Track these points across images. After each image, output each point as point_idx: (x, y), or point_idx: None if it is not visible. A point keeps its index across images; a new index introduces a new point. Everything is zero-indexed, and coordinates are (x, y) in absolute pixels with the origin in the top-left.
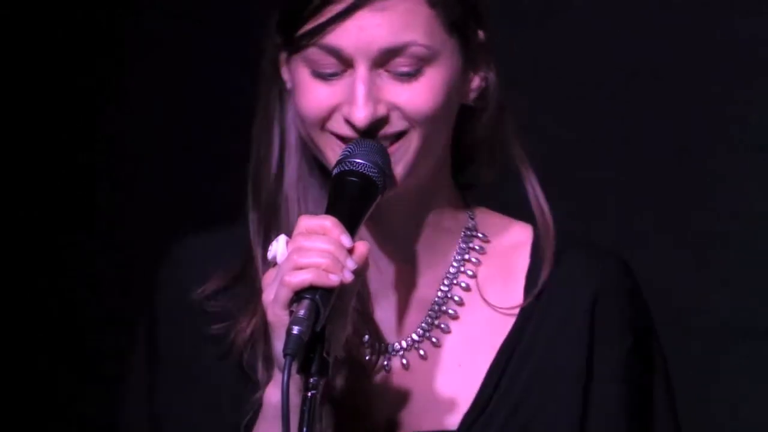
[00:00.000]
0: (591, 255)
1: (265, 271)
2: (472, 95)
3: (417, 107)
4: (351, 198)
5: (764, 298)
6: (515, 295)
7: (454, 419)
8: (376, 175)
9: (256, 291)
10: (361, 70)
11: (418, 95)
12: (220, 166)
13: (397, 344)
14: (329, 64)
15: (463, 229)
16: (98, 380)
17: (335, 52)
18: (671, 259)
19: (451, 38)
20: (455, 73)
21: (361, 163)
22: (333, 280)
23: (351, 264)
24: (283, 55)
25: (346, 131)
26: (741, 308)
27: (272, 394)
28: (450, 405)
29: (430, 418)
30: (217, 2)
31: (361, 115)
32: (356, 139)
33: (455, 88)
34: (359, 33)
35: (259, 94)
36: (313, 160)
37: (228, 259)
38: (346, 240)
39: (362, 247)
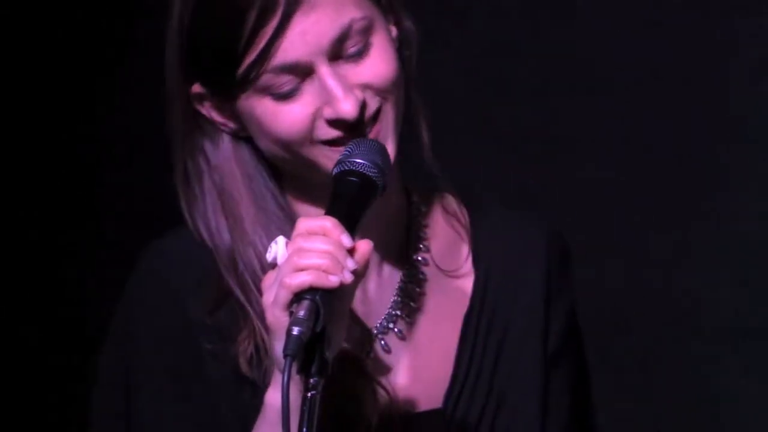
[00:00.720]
0: (529, 219)
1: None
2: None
3: (383, 76)
4: (351, 198)
5: (765, 298)
6: (466, 261)
7: (437, 395)
8: (376, 174)
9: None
10: (323, 68)
11: (377, 65)
12: None
13: (374, 328)
14: (287, 81)
15: (411, 204)
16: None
17: (291, 68)
18: (671, 259)
19: (370, 2)
20: (389, 32)
21: (360, 163)
22: (333, 281)
23: (351, 264)
24: (210, 103)
25: (335, 132)
26: (741, 308)
27: (273, 396)
28: (433, 382)
29: (417, 398)
30: None
31: (349, 105)
32: (356, 139)
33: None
34: (304, 37)
35: (177, 151)
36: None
37: (205, 266)
38: (346, 240)
39: (364, 245)
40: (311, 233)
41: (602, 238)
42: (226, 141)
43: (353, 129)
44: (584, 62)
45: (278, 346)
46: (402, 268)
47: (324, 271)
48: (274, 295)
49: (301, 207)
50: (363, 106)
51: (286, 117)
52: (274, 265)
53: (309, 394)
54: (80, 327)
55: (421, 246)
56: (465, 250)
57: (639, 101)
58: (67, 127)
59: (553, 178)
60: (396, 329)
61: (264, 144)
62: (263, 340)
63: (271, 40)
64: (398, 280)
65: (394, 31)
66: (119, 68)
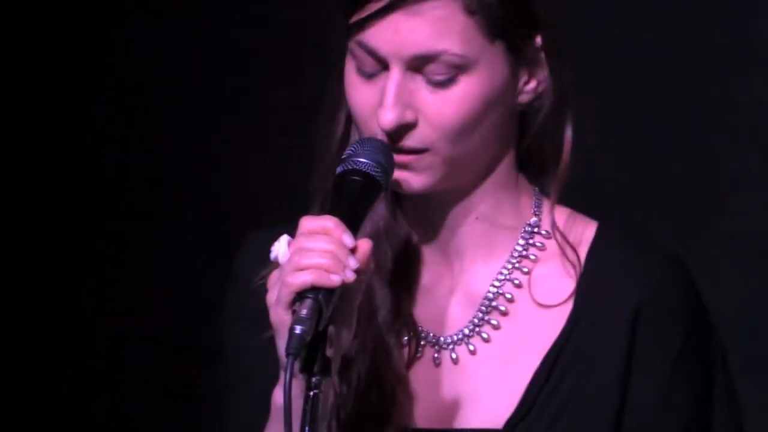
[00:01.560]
0: (640, 266)
1: None
2: (526, 97)
3: (444, 117)
4: (353, 198)
5: (765, 298)
6: (565, 295)
7: (499, 419)
8: (379, 174)
9: None
10: (395, 72)
11: (448, 104)
12: (226, 166)
13: (447, 337)
14: (368, 62)
15: (525, 226)
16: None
17: (371, 52)
18: None
19: (493, 45)
20: (498, 82)
21: (364, 162)
22: (334, 280)
23: (353, 263)
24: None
25: (381, 134)
26: (742, 309)
27: (278, 395)
28: (495, 403)
29: (475, 414)
30: (218, 2)
31: (388, 117)
32: (360, 138)
33: (497, 96)
34: (393, 36)
35: (330, 81)
36: None
37: None
38: (348, 239)
39: (365, 244)
40: (313, 233)
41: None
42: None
43: (391, 141)
44: (584, 62)
45: (282, 345)
46: (492, 284)
47: (326, 270)
48: (276, 294)
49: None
50: (407, 127)
51: (356, 93)
52: (277, 264)
53: (311, 393)
54: (80, 326)
55: (523, 267)
56: (568, 287)
57: (639, 101)
58: (66, 127)
59: None
60: (470, 344)
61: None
62: None
63: (368, 17)
64: (484, 295)
65: (533, 83)
66: (121, 68)
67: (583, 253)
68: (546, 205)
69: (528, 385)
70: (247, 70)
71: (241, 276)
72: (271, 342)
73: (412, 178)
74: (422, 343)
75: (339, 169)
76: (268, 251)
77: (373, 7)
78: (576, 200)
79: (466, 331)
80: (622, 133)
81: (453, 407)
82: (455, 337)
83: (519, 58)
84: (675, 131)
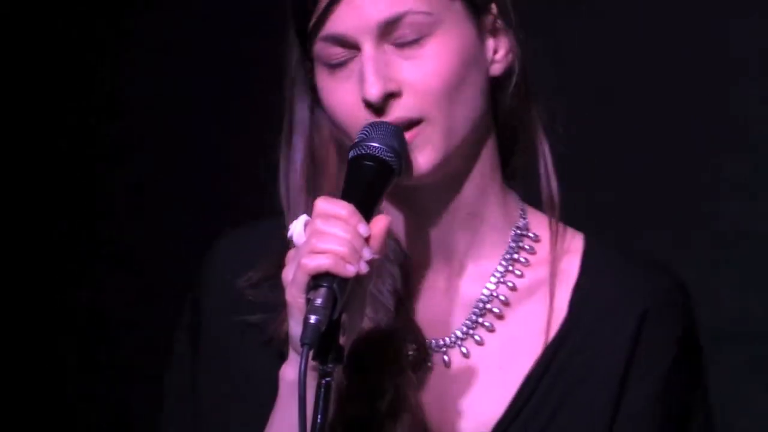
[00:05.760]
0: (642, 275)
1: None
2: (498, 66)
3: (425, 77)
4: (367, 183)
5: (766, 299)
6: (561, 304)
7: (488, 422)
8: (392, 158)
9: None
10: (366, 48)
11: (424, 65)
12: (221, 166)
13: (440, 340)
14: (336, 53)
15: (513, 228)
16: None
17: (338, 39)
18: (671, 259)
19: (453, 2)
20: (466, 41)
21: (376, 147)
22: (350, 270)
23: (367, 254)
24: (305, 64)
25: (373, 116)
26: (742, 309)
27: (288, 372)
28: (486, 407)
29: (465, 417)
30: (218, 2)
31: (373, 89)
32: (372, 122)
33: (469, 56)
34: (355, 13)
35: (286, 105)
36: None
37: (272, 250)
38: (363, 229)
39: (381, 223)
40: (329, 216)
41: (601, 237)
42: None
43: (380, 113)
44: (584, 62)
45: (294, 327)
46: (486, 286)
47: (342, 258)
48: (292, 274)
49: None
50: (394, 96)
51: (337, 94)
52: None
53: (324, 381)
54: (79, 327)
55: (516, 271)
56: (563, 293)
57: (639, 101)
58: (65, 127)
59: None
60: (463, 347)
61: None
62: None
63: (327, 6)
64: (478, 297)
65: (501, 50)
66: (119, 68)
67: (575, 260)
68: (529, 208)
69: (518, 390)
70: (250, 71)
71: (214, 278)
72: (245, 325)
73: (418, 158)
74: (415, 346)
75: (352, 153)
76: (246, 250)
77: (325, 0)
78: (576, 200)
79: (459, 334)
80: (623, 133)
81: (442, 410)
82: (448, 340)
83: (480, 22)
84: (675, 132)
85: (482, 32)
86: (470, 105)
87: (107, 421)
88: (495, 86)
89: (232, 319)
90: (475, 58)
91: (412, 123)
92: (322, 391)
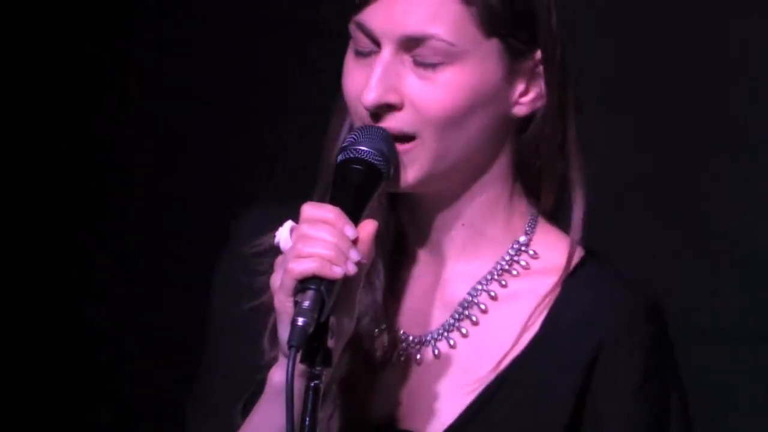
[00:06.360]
0: (614, 302)
1: None
2: (522, 108)
3: (428, 102)
4: (355, 187)
5: (766, 299)
6: (536, 319)
7: (440, 425)
8: (381, 162)
9: None
10: (385, 52)
11: (433, 90)
12: (221, 166)
13: (418, 337)
14: (363, 42)
15: (514, 242)
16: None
17: (367, 31)
18: (671, 259)
19: (487, 41)
20: (487, 79)
21: (365, 151)
22: (337, 272)
23: (355, 255)
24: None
25: (369, 118)
26: (743, 310)
27: (275, 375)
28: (444, 409)
29: (421, 417)
30: (218, 2)
31: (370, 95)
32: (362, 126)
33: (485, 95)
34: (386, 15)
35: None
36: None
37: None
38: (350, 231)
39: (368, 227)
40: (315, 221)
41: (602, 238)
42: None
43: (373, 120)
44: (584, 62)
45: (283, 332)
46: (469, 293)
47: (328, 261)
48: (280, 279)
49: None
50: (390, 108)
51: (349, 77)
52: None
53: (312, 384)
54: (79, 327)
55: (501, 281)
56: (540, 311)
57: (639, 101)
58: (65, 127)
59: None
60: (436, 347)
61: None
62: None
63: None
64: (459, 301)
65: (531, 94)
66: (118, 67)
67: (561, 277)
68: (540, 226)
69: (475, 397)
70: (248, 71)
71: (235, 244)
72: (253, 312)
73: (406, 171)
74: (393, 339)
75: (340, 158)
76: (267, 223)
77: None
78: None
79: (435, 334)
80: (623, 134)
81: (404, 407)
82: (424, 338)
83: (516, 65)
84: (675, 132)
85: (514, 74)
86: (470, 137)
87: (107, 421)
88: (518, 124)
89: (238, 281)
90: (492, 97)
91: (407, 137)
92: (311, 394)
